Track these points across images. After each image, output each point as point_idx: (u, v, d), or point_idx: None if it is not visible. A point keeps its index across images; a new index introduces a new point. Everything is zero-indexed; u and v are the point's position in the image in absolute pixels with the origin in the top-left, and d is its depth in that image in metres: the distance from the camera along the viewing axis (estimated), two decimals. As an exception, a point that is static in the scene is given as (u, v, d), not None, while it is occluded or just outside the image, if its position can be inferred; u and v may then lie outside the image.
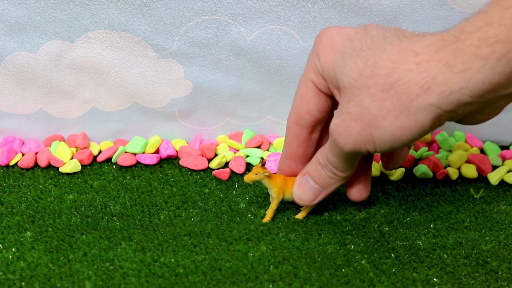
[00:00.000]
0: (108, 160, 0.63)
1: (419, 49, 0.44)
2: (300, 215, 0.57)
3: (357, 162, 0.52)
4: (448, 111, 0.44)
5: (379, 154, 0.65)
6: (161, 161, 0.64)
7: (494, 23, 0.41)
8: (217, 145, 0.65)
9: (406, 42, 0.45)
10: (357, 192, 0.55)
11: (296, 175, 0.55)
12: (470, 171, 0.63)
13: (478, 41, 0.42)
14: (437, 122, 0.45)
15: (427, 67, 0.43)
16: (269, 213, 0.56)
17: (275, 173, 0.56)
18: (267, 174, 0.54)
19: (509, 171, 0.64)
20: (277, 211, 0.57)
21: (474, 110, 0.45)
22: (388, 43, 0.46)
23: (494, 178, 0.63)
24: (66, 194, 0.59)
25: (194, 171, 0.62)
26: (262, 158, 0.54)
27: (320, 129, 0.53)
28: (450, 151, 0.66)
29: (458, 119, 0.46)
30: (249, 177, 0.54)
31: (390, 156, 0.54)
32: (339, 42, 0.48)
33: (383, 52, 0.45)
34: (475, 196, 0.61)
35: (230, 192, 0.60)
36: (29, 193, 0.59)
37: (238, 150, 0.65)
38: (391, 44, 0.45)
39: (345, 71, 0.46)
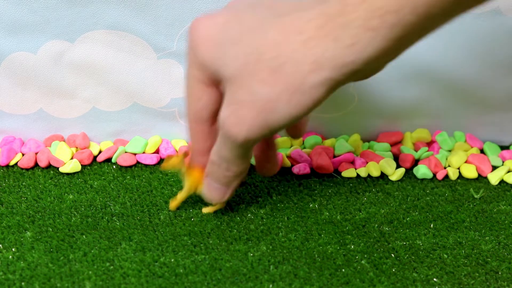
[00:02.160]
0: (108, 160, 0.63)
1: (302, 26, 0.43)
2: (207, 209, 0.57)
3: (251, 153, 0.51)
4: (342, 80, 0.44)
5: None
6: (161, 161, 0.64)
7: None
8: (217, 145, 0.65)
9: (286, 20, 0.44)
10: (266, 170, 0.56)
11: None
12: (470, 171, 0.63)
13: (365, 13, 0.41)
14: (332, 91, 0.45)
15: (315, 44, 0.43)
16: (174, 202, 0.57)
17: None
18: (183, 166, 0.54)
19: (509, 171, 0.64)
20: (277, 210, 0.57)
21: (366, 72, 0.45)
22: (267, 25, 0.44)
23: (494, 178, 0.63)
24: (66, 194, 0.59)
25: (194, 171, 0.62)
26: (186, 151, 0.54)
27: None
28: (450, 151, 0.66)
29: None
30: (169, 164, 0.54)
31: (294, 127, 0.54)
32: (214, 34, 0.47)
33: (264, 36, 0.44)
34: (475, 196, 0.61)
35: (230, 192, 0.60)
36: (29, 193, 0.59)
37: (238, 150, 0.65)
38: (271, 26, 0.44)
39: (227, 62, 0.46)
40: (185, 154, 0.54)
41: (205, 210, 0.57)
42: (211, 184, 0.53)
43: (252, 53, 0.44)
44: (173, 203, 0.57)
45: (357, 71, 0.43)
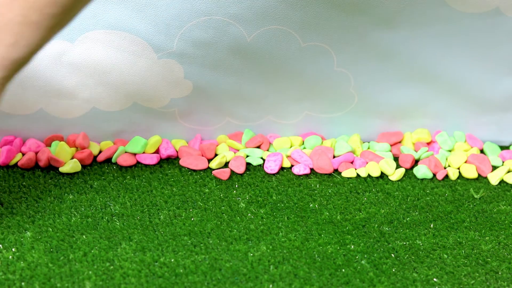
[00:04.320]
0: (108, 160, 0.63)
1: None
2: None
3: None
4: (13, 75, 0.44)
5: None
6: (161, 161, 0.64)
7: None
8: (217, 145, 0.65)
9: None
10: None
11: None
12: (470, 171, 0.63)
13: (22, 10, 0.41)
14: (5, 86, 0.45)
15: None
16: None
17: None
18: None
19: (509, 171, 0.64)
20: (277, 210, 0.57)
21: (31, 58, 0.45)
22: None
23: (494, 178, 0.63)
24: (66, 194, 0.59)
25: (194, 171, 0.62)
26: None
27: None
28: (450, 151, 0.66)
29: None
30: None
31: None
32: None
33: None
34: (475, 196, 0.61)
35: (230, 192, 0.60)
36: (29, 193, 0.59)
37: (238, 150, 0.65)
38: None
39: None
40: None
41: None
42: None
43: None
44: None
45: (26, 60, 0.44)
